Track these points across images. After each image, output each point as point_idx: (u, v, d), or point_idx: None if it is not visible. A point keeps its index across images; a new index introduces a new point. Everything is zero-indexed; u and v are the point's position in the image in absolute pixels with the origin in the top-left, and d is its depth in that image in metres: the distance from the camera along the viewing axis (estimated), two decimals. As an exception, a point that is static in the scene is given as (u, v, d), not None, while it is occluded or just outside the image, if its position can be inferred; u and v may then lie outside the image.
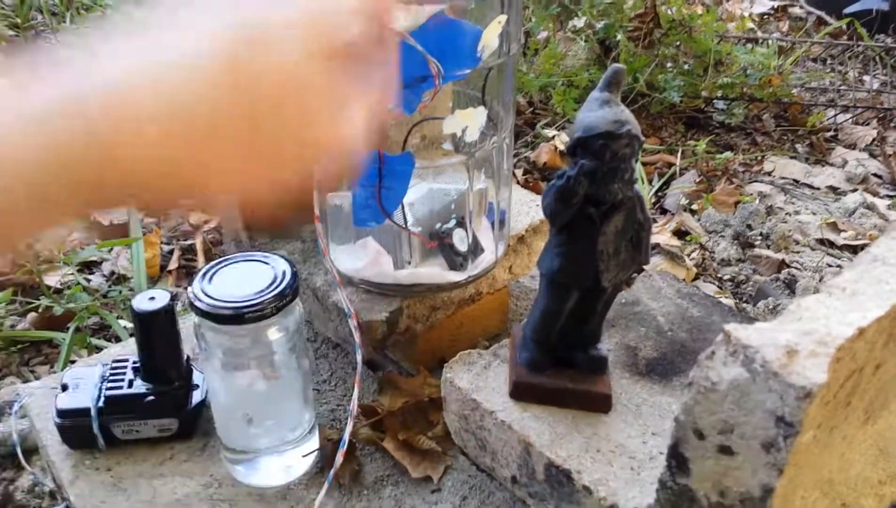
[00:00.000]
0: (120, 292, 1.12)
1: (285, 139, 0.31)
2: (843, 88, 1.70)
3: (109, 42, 0.29)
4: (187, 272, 1.21)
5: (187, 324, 0.61)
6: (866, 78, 1.77)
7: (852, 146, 1.55)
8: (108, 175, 0.28)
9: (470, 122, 0.56)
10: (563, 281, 0.50)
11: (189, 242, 1.27)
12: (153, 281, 1.18)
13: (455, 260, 0.65)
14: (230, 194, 0.31)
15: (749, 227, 1.28)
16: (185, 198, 0.31)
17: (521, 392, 0.54)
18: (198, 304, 0.53)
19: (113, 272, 1.20)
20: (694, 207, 1.34)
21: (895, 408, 0.52)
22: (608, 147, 0.44)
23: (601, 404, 0.53)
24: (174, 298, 0.63)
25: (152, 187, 0.29)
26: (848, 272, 0.43)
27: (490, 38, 0.53)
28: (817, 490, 0.46)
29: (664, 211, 1.34)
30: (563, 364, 0.54)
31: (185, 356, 0.65)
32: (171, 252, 1.25)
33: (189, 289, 0.55)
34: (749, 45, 1.68)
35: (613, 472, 0.49)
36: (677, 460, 0.41)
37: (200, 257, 1.23)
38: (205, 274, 0.55)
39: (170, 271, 1.21)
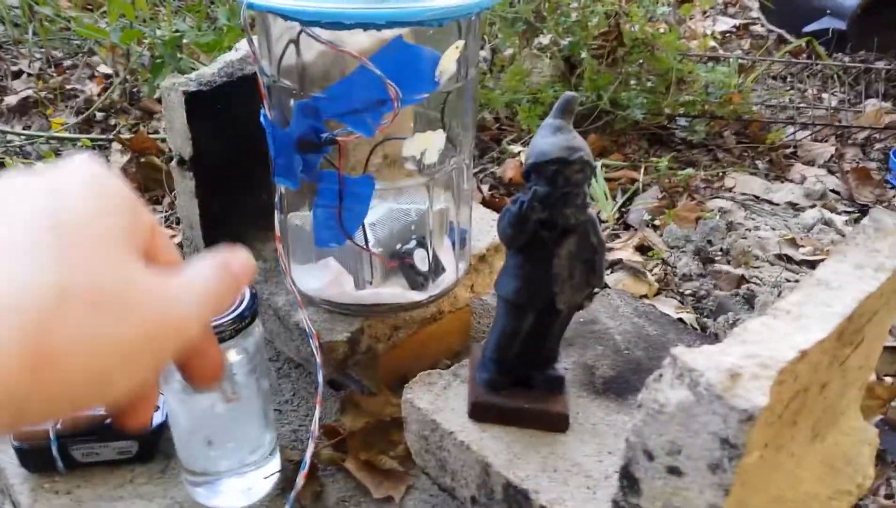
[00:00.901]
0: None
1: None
2: (802, 105, 1.74)
3: None
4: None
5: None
6: (825, 96, 1.82)
7: (811, 163, 1.59)
8: None
9: (429, 145, 0.57)
10: (519, 303, 0.51)
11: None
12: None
13: (416, 280, 0.65)
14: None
15: (710, 242, 1.30)
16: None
17: (479, 412, 0.54)
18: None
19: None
20: (657, 222, 1.36)
21: (842, 425, 0.54)
22: (561, 173, 0.45)
23: (558, 423, 0.54)
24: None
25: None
26: (793, 295, 0.44)
27: (448, 63, 0.53)
28: (767, 508, 0.47)
29: (627, 226, 1.36)
30: (522, 384, 0.55)
31: (145, 378, 0.65)
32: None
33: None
34: (711, 64, 1.71)
35: (570, 491, 0.50)
36: (629, 480, 0.41)
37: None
38: (163, 296, 0.55)
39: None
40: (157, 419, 0.65)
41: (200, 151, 0.69)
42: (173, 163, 0.71)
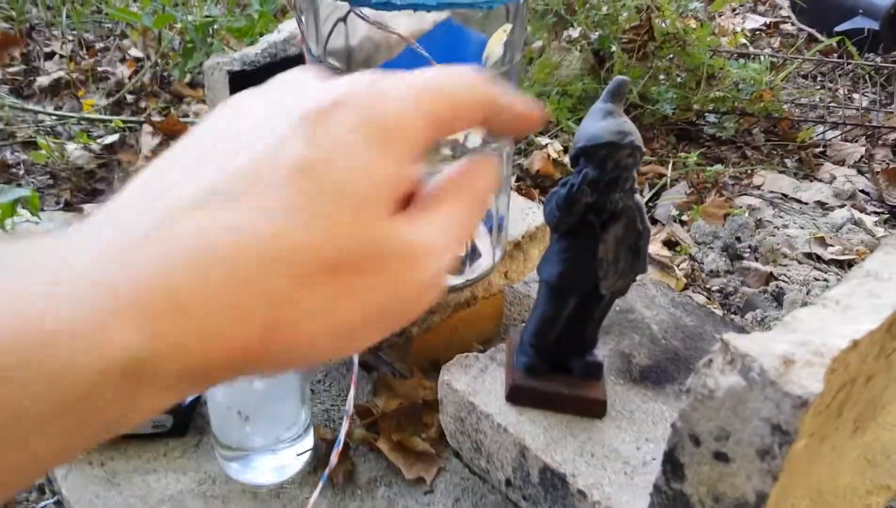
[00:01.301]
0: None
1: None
2: (832, 105, 1.72)
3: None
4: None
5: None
6: (856, 96, 1.80)
7: (841, 162, 1.57)
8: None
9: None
10: (562, 287, 0.51)
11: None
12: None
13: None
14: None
15: (738, 239, 1.29)
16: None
17: (517, 396, 0.55)
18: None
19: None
20: (684, 218, 1.35)
21: (883, 420, 0.53)
22: (610, 157, 0.45)
23: (596, 409, 0.54)
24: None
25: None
26: (841, 286, 0.44)
27: (494, 46, 0.53)
28: (807, 499, 0.47)
29: (655, 221, 1.35)
30: (560, 370, 0.55)
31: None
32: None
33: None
34: (741, 61, 1.70)
35: (607, 476, 0.50)
36: (673, 465, 0.41)
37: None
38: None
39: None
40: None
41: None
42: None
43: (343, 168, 0.23)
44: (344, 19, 0.55)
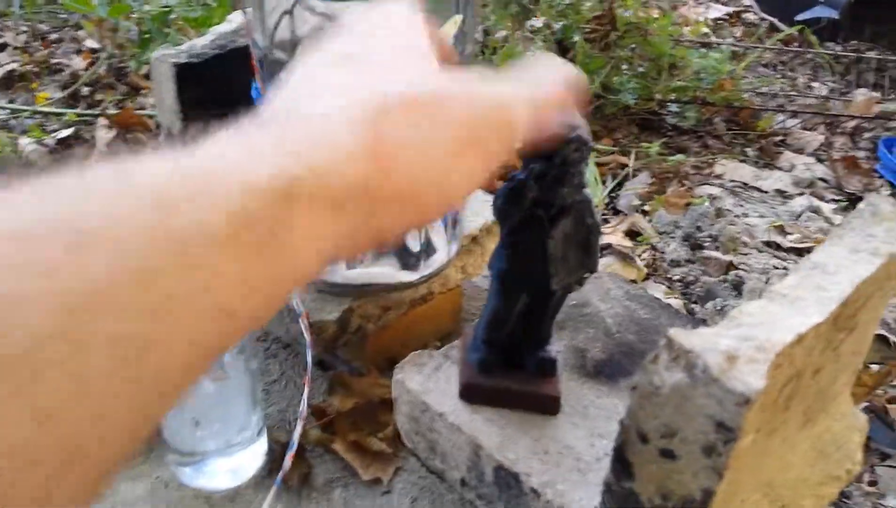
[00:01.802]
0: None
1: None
2: (792, 93, 1.74)
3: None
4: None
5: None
6: (815, 84, 1.82)
7: (800, 151, 1.59)
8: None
9: (423, 123, 0.56)
10: (512, 282, 0.51)
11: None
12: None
13: (408, 260, 0.65)
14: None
15: (699, 229, 1.30)
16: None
17: (470, 394, 0.54)
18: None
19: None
20: (646, 207, 1.36)
21: (833, 411, 0.54)
22: (557, 151, 0.45)
23: (550, 406, 0.54)
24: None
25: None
26: (789, 278, 0.43)
27: (446, 37, 0.52)
28: (758, 493, 0.47)
29: (617, 212, 1.36)
30: (513, 366, 0.55)
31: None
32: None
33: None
34: (703, 50, 1.71)
35: (561, 474, 0.50)
36: (622, 463, 0.41)
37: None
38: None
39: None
40: (143, 397, 0.64)
41: (190, 125, 0.68)
42: (161, 138, 0.70)
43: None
44: (290, 12, 0.54)
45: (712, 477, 0.37)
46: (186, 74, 0.65)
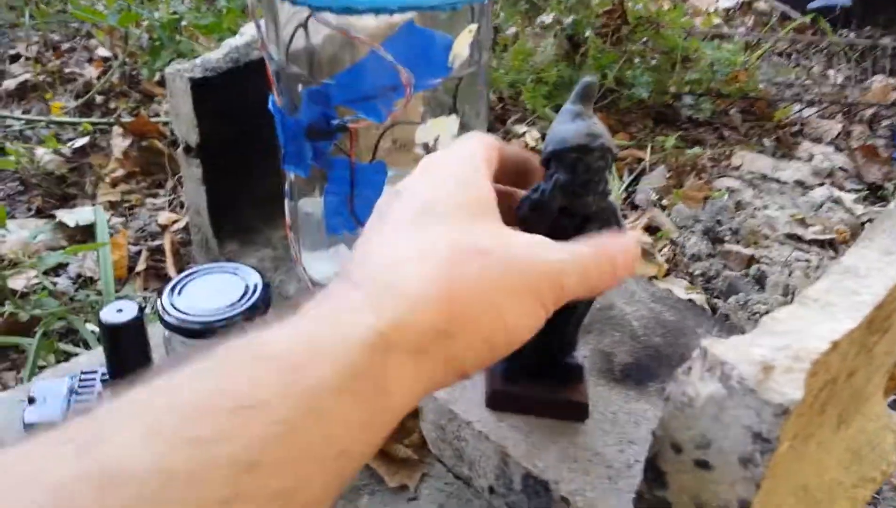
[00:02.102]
0: (87, 296, 1.09)
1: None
2: (808, 82, 1.72)
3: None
4: (156, 274, 1.19)
5: (157, 331, 0.60)
6: (831, 72, 1.80)
7: (818, 140, 1.57)
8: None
9: (443, 130, 0.56)
10: None
11: (157, 243, 1.25)
12: (121, 283, 1.16)
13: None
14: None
15: (718, 222, 1.29)
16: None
17: (497, 402, 0.54)
18: (167, 318, 0.52)
19: (80, 275, 1.18)
20: (664, 202, 1.35)
21: (867, 412, 0.53)
22: (581, 160, 0.44)
23: (578, 413, 0.53)
24: (142, 309, 0.61)
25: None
26: (820, 283, 0.43)
27: (461, 47, 0.52)
28: (792, 497, 0.47)
29: (635, 207, 1.35)
30: (540, 373, 0.54)
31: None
32: (138, 253, 1.23)
33: (158, 301, 0.54)
34: (716, 41, 1.69)
35: (591, 482, 0.49)
36: (654, 473, 0.41)
37: (169, 259, 1.21)
38: (174, 287, 0.54)
39: (138, 273, 1.19)
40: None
41: (207, 137, 0.68)
42: (179, 150, 0.70)
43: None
44: (304, 25, 0.54)
45: (750, 488, 0.37)
46: (202, 88, 0.65)
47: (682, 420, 0.38)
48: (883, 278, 0.42)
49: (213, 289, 0.54)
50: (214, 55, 0.66)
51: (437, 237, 0.33)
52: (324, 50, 0.57)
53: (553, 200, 0.45)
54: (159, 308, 0.53)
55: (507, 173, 0.44)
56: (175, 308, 0.52)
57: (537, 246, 0.36)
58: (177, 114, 0.68)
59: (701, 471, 0.38)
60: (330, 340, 0.29)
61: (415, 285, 0.31)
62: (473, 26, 0.53)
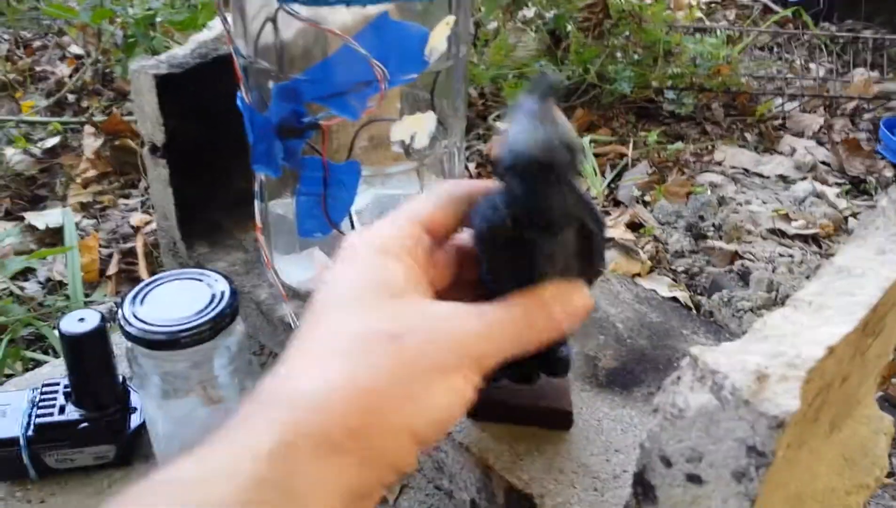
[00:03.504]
0: (55, 302, 1.06)
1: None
2: (790, 76, 1.71)
3: None
4: (129, 277, 1.16)
5: (122, 341, 0.57)
6: (812, 66, 1.79)
7: (800, 134, 1.57)
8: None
9: (419, 127, 0.54)
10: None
11: (130, 245, 1.22)
12: (92, 287, 1.13)
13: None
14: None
15: (701, 218, 1.28)
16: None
17: (478, 411, 0.51)
18: (128, 328, 0.49)
19: (49, 279, 1.14)
20: (647, 198, 1.33)
21: (858, 415, 0.51)
22: (543, 175, 0.39)
23: (562, 421, 0.51)
24: (104, 318, 0.59)
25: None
26: (813, 284, 0.41)
27: (438, 40, 0.50)
28: (786, 506, 0.45)
29: (617, 203, 1.33)
30: (524, 380, 0.52)
31: (121, 378, 0.61)
32: (110, 256, 1.20)
33: (119, 311, 0.51)
34: (698, 35, 1.68)
35: (577, 494, 0.47)
36: (643, 487, 0.39)
37: (141, 262, 1.18)
38: (136, 295, 0.52)
39: (109, 277, 1.16)
40: (136, 420, 0.62)
41: (173, 137, 0.65)
42: (145, 150, 0.67)
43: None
44: (273, 18, 0.51)
45: (744, 503, 0.35)
46: (168, 85, 0.62)
47: (672, 433, 0.36)
48: (877, 278, 0.40)
49: (177, 297, 0.51)
50: (181, 51, 0.63)
51: (339, 328, 0.33)
52: (294, 44, 0.54)
53: (502, 229, 0.40)
54: (120, 318, 0.50)
55: (462, 217, 0.40)
56: (137, 318, 0.50)
57: (454, 318, 0.34)
58: (141, 112, 0.65)
59: (692, 486, 0.36)
60: (227, 458, 0.29)
61: (317, 384, 0.30)
62: (451, 18, 0.51)
